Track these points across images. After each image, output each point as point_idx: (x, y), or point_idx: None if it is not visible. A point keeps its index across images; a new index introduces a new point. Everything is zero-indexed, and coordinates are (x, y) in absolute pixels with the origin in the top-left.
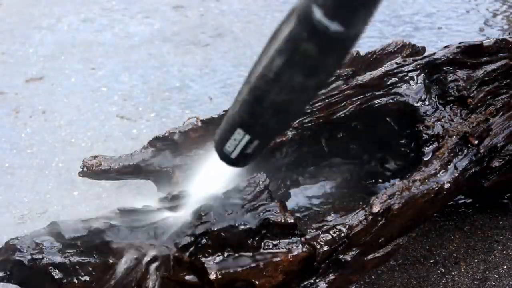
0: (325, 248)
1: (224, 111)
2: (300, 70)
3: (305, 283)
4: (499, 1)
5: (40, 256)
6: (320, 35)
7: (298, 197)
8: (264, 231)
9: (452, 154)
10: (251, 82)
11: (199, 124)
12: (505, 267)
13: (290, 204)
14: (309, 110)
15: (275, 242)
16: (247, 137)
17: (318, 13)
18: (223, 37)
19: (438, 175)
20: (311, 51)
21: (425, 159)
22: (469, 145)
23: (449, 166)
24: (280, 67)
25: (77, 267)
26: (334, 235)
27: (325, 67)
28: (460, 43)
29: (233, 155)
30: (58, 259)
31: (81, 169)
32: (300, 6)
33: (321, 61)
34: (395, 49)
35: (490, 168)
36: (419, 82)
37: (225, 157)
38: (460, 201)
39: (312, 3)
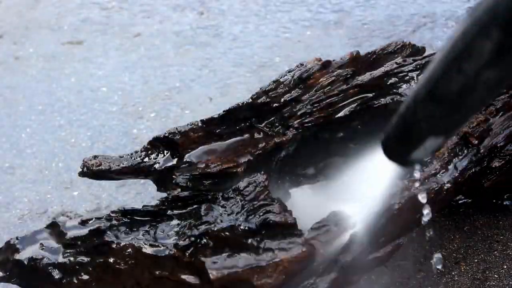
0: (325, 248)
1: (224, 111)
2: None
3: (305, 283)
4: None
5: (40, 256)
6: None
7: (298, 197)
8: (264, 231)
9: (452, 154)
10: (443, 97)
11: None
12: (505, 267)
13: (290, 204)
14: (309, 110)
15: (275, 242)
16: (440, 140)
17: None
18: (223, 37)
19: (438, 175)
20: None
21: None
22: (469, 145)
23: (449, 166)
24: (491, 76)
25: (77, 267)
26: (334, 235)
27: None
28: None
29: (423, 158)
30: (58, 259)
31: (81, 169)
32: (499, 20)
33: None
34: (395, 49)
35: (490, 168)
36: None
37: (411, 163)
38: (460, 201)
39: None
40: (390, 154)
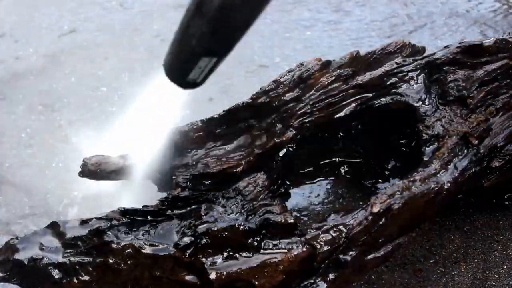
0: (325, 248)
1: (224, 111)
2: None
3: (305, 283)
4: (499, 1)
5: (40, 256)
6: None
7: (298, 197)
8: (264, 231)
9: (452, 154)
10: (208, 12)
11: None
12: (505, 267)
13: (290, 204)
14: (309, 110)
15: (275, 242)
16: (213, 60)
17: None
18: None
19: (438, 175)
20: None
21: (425, 159)
22: (469, 145)
23: (449, 166)
24: None
25: (77, 267)
26: (334, 235)
27: None
28: (460, 43)
29: (199, 80)
30: (58, 259)
31: (81, 169)
32: None
33: None
34: (395, 49)
35: (490, 168)
36: (419, 82)
37: (189, 85)
38: (460, 201)
39: None
40: (170, 74)
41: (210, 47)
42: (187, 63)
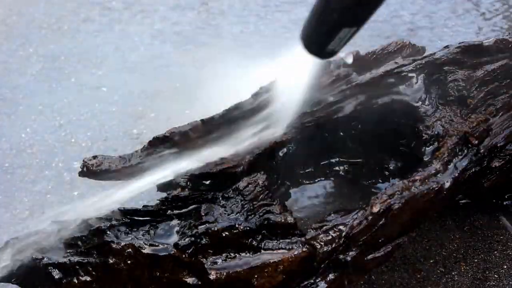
0: (325, 248)
1: (224, 110)
2: None
3: (305, 283)
4: (499, 1)
5: (40, 256)
6: None
7: (298, 197)
8: (264, 231)
9: (452, 154)
10: None
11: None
12: (505, 267)
13: (290, 204)
14: (309, 110)
15: (275, 242)
16: (353, 30)
17: None
18: (223, 37)
19: (438, 175)
20: None
21: (425, 159)
22: (469, 145)
23: (449, 166)
24: None
25: (77, 267)
26: (334, 235)
27: None
28: (460, 43)
29: (337, 49)
30: (58, 259)
31: (81, 169)
32: None
33: None
34: (395, 49)
35: (490, 168)
36: (419, 82)
37: (328, 55)
38: (460, 201)
39: None
40: (308, 46)
41: (351, 18)
42: (328, 35)
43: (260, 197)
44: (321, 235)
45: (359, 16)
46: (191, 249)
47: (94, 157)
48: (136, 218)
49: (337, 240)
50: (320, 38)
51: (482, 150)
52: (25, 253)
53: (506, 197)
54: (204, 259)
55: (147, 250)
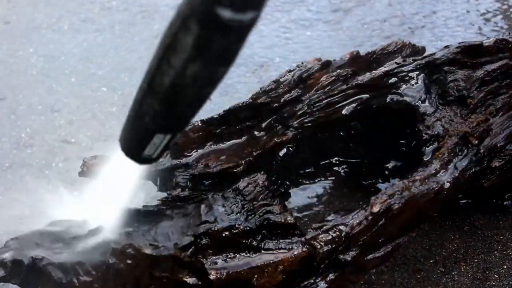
0: (325, 248)
1: (224, 111)
2: (218, 64)
3: (305, 283)
4: (499, 1)
5: (40, 256)
6: (233, 30)
7: (298, 197)
8: (264, 231)
9: (452, 154)
10: (159, 91)
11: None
12: (505, 267)
13: (290, 204)
14: (309, 110)
15: (275, 242)
16: (168, 137)
17: (226, 13)
18: None
19: (438, 175)
20: (227, 46)
21: (425, 159)
22: (469, 145)
23: (449, 166)
24: (197, 71)
25: (77, 267)
26: (334, 235)
27: (236, 54)
28: (460, 43)
29: (154, 156)
30: (58, 259)
31: (81, 169)
32: (196, 13)
33: (234, 50)
34: (395, 49)
35: (490, 168)
36: (419, 82)
37: (145, 161)
38: (460, 201)
39: (216, 5)
40: (125, 150)
41: (163, 124)
42: (141, 139)
43: (260, 197)
44: (321, 235)
45: (172, 123)
46: (191, 249)
47: (94, 157)
48: (136, 218)
49: (337, 240)
50: (133, 142)
51: (482, 150)
52: (25, 253)
53: (506, 197)
54: (204, 259)
55: (147, 250)
